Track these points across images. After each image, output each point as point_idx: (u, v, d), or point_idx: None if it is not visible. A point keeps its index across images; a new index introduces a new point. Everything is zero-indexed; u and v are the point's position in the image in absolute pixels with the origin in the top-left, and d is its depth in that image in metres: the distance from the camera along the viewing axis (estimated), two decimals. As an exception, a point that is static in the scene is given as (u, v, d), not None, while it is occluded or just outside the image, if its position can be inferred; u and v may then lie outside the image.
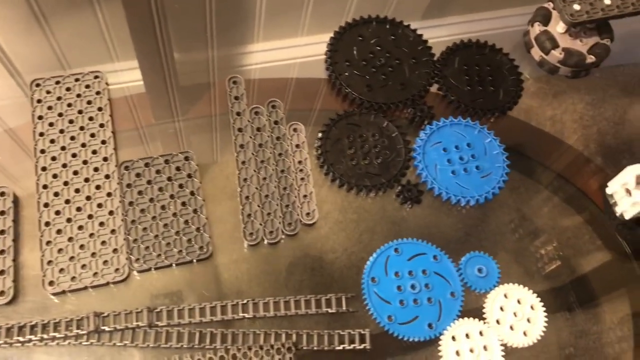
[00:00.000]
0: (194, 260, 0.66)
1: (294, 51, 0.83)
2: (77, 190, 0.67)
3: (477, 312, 0.66)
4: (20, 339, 0.60)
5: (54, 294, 0.63)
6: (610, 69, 0.86)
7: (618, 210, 0.65)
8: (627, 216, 0.64)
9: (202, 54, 0.80)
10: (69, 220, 0.65)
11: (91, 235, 0.65)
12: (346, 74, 0.77)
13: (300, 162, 0.71)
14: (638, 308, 0.70)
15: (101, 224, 0.66)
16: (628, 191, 0.64)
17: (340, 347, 0.63)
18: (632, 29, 0.88)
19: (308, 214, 0.69)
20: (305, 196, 0.69)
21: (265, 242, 0.67)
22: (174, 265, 0.65)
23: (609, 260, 0.72)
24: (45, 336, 0.60)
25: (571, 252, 0.71)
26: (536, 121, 0.80)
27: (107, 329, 0.61)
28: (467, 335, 0.64)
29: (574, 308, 0.68)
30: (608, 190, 0.66)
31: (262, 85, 0.78)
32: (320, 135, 0.73)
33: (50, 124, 0.70)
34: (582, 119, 0.81)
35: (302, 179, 0.70)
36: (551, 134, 0.79)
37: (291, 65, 0.82)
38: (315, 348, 0.63)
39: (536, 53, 0.81)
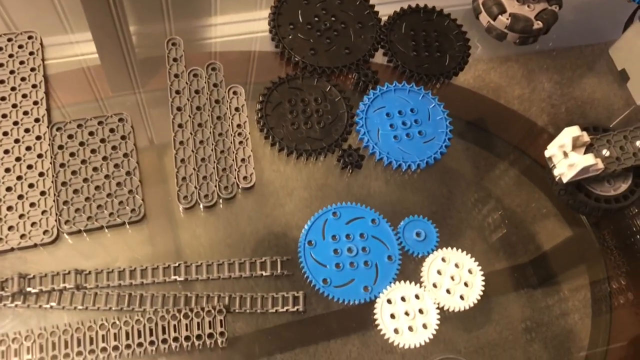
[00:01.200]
0: (126, 223, 0.64)
1: (253, 25, 0.81)
2: (6, 152, 0.65)
3: (415, 277, 0.66)
4: (-59, 300, 0.58)
5: (-21, 256, 0.61)
6: (580, 48, 0.86)
7: (556, 172, 0.65)
8: (565, 179, 0.64)
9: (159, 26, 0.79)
10: (-3, 181, 0.64)
11: (20, 197, 0.63)
12: (290, 37, 0.75)
13: (239, 125, 0.70)
14: (593, 275, 0.70)
15: (30, 185, 0.64)
16: (565, 154, 0.63)
17: (274, 310, 0.62)
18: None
19: (245, 177, 0.67)
20: (243, 160, 0.68)
21: (201, 205, 0.66)
22: (105, 227, 0.64)
23: (554, 226, 0.72)
24: (-32, 297, 0.59)
25: (514, 218, 0.71)
26: (505, 99, 0.80)
27: (32, 290, 0.60)
28: (402, 299, 0.64)
29: (515, 274, 0.69)
30: (547, 153, 0.65)
31: (204, 51, 0.77)
32: (260, 98, 0.72)
33: (-19, 85, 0.68)
34: (550, 98, 0.81)
35: (241, 142, 0.69)
36: (498, 102, 0.78)
37: (252, 38, 0.80)
38: (248, 311, 0.62)
39: (484, 19, 0.80)
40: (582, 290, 0.69)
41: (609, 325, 0.67)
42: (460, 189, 0.72)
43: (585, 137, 0.64)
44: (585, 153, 0.65)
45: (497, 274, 0.68)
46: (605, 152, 0.66)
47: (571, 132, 0.62)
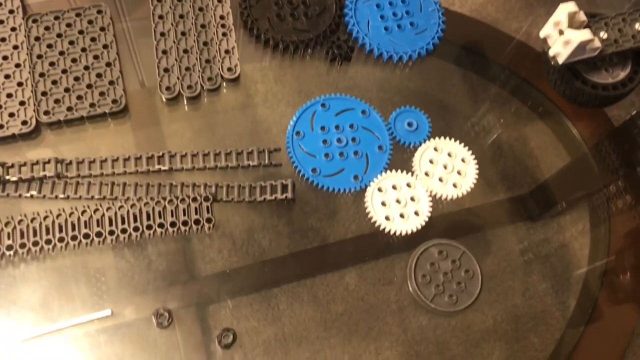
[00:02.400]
0: (107, 114, 0.62)
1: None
2: (-20, 44, 0.63)
3: (406, 167, 0.64)
4: None
5: (-44, 146, 0.60)
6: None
7: (551, 53, 0.62)
8: (560, 59, 0.61)
9: None
10: (-29, 73, 0.62)
11: (-4, 88, 0.61)
12: None
13: (222, 17, 0.67)
14: (587, 188, 0.68)
15: (7, 76, 0.62)
16: (561, 32, 0.61)
17: (262, 199, 0.60)
18: None
19: (230, 69, 0.65)
20: (227, 51, 0.65)
21: (185, 97, 0.64)
22: (85, 118, 0.62)
23: (544, 128, 0.70)
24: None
25: (508, 119, 0.69)
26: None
27: (12, 179, 0.58)
28: (394, 187, 0.62)
29: (508, 170, 0.67)
30: (542, 34, 0.63)
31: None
32: (244, -11, 0.69)
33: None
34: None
35: (224, 34, 0.66)
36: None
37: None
38: (235, 200, 0.60)
39: None
40: (582, 217, 0.67)
41: (607, 248, 0.66)
42: (452, 84, 0.70)
43: (582, 16, 0.61)
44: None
45: (490, 168, 0.66)
46: (603, 35, 0.63)
47: (567, 8, 0.60)
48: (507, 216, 0.65)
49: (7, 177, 0.57)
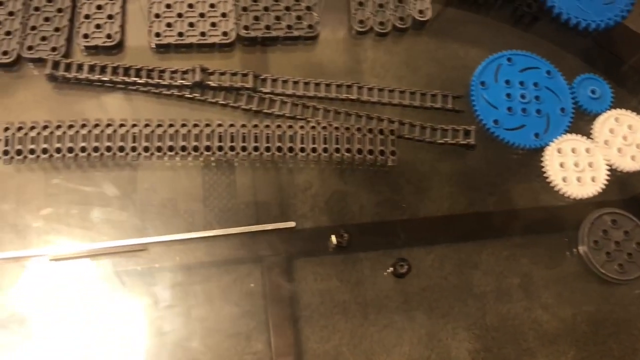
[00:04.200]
0: (301, 37, 0.63)
1: None
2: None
3: (585, 133, 0.63)
4: (126, 79, 0.59)
5: (159, 46, 0.61)
6: None
7: None
8: None
9: None
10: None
11: (199, -3, 0.63)
12: None
13: (418, -41, 0.67)
14: None
15: (211, -13, 0.64)
16: None
17: (443, 141, 0.61)
18: None
19: (421, 11, 0.65)
20: (420, -6, 0.66)
21: (375, 31, 0.65)
22: (280, 39, 0.63)
23: None
24: (150, 81, 0.59)
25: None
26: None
27: (212, 84, 0.60)
28: (573, 150, 0.62)
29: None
30: None
31: None
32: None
33: None
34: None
35: (419, -24, 0.67)
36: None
37: None
38: (417, 138, 0.61)
39: None
40: None
41: None
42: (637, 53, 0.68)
43: None
44: None
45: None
46: None
47: None
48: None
49: (208, 82, 0.60)
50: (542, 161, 0.62)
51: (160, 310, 0.53)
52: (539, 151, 0.62)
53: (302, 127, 0.59)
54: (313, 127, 0.59)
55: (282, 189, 0.59)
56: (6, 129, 0.55)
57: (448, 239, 0.60)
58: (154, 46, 0.61)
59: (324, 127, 0.59)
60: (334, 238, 0.56)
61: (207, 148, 0.57)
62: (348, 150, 0.58)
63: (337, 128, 0.59)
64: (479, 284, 0.58)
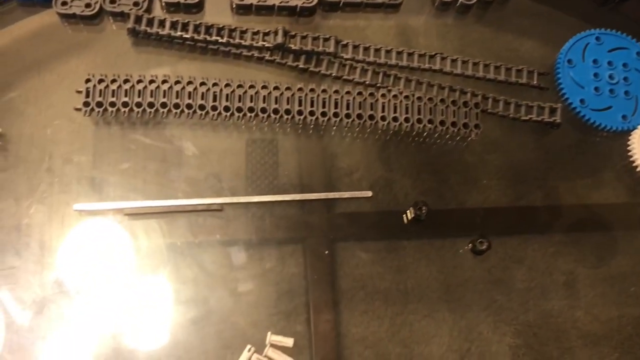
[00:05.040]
0: (384, 5, 0.62)
1: None
2: None
3: (673, 119, 0.61)
4: (208, 38, 0.58)
5: (239, 6, 0.60)
6: None
7: None
8: None
9: None
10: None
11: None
12: None
13: None
14: None
15: (294, -50, 0.62)
16: None
17: (527, 118, 0.59)
18: None
19: (508, -16, 0.63)
20: (507, -34, 0.64)
21: (460, 3, 0.63)
22: (362, 5, 0.61)
23: None
24: (231, 41, 0.58)
25: None
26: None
27: (293, 47, 0.58)
28: (662, 135, 0.60)
29: None
30: None
31: None
32: None
33: None
34: None
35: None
36: None
37: None
38: (500, 113, 0.59)
39: None
40: None
41: None
42: None
43: None
44: None
45: None
46: None
47: None
48: None
49: (289, 45, 0.58)
50: (628, 145, 0.59)
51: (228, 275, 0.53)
52: (624, 135, 0.60)
53: (383, 96, 0.57)
54: (395, 96, 0.57)
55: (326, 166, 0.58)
56: (87, 81, 0.55)
57: (495, 230, 0.58)
58: (235, 6, 0.60)
59: (406, 97, 0.57)
60: (411, 210, 0.55)
61: (287, 111, 0.56)
62: (430, 121, 0.57)
63: (419, 98, 0.57)
64: (523, 279, 0.56)
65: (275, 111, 0.56)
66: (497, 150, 0.59)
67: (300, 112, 0.56)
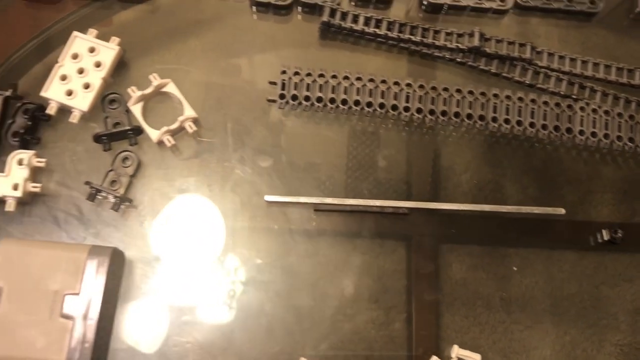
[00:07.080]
0: (580, 14, 0.59)
1: None
2: None
3: None
4: (401, 36, 0.56)
5: (430, 5, 0.59)
6: None
7: None
8: None
9: None
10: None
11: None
12: None
13: None
14: None
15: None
16: None
17: None
18: None
19: None
20: None
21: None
22: (558, 12, 0.59)
23: None
24: (425, 40, 0.56)
25: None
26: None
27: (487, 50, 0.56)
28: None
29: None
30: None
31: None
32: None
33: None
34: None
35: None
36: None
37: None
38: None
39: None
40: None
41: None
42: None
43: None
44: None
45: None
46: None
47: None
48: None
49: (484, 49, 0.56)
50: None
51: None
52: None
53: (582, 109, 0.54)
54: (594, 110, 0.54)
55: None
56: (283, 72, 0.54)
57: (606, 247, 0.54)
58: (425, 4, 0.59)
59: (606, 112, 0.54)
60: (605, 233, 0.52)
61: (456, 114, 0.54)
62: (631, 140, 0.54)
63: (619, 114, 0.54)
64: (633, 299, 0.53)
65: (482, 117, 0.54)
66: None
67: (470, 116, 0.54)
